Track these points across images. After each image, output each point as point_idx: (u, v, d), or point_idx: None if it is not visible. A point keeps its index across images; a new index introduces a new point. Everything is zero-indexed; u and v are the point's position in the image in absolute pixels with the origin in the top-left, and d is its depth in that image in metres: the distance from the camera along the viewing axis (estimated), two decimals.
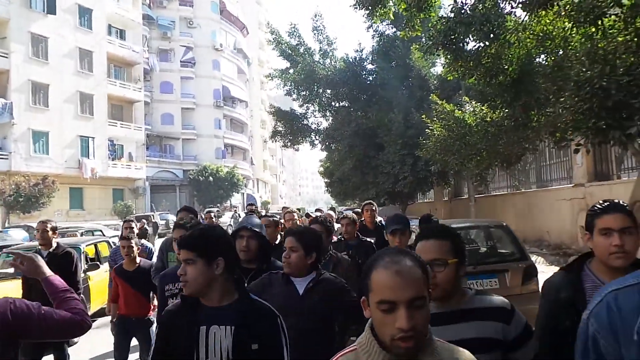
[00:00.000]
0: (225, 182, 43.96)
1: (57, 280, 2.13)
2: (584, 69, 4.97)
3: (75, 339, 6.18)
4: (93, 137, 34.78)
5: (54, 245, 5.10)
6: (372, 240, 5.11)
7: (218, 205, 41.40)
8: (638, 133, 4.15)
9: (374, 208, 6.19)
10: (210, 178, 43.06)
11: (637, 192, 5.81)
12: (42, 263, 2.15)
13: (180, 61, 47.30)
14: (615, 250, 1.79)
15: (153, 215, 28.17)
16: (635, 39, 4.91)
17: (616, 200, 1.95)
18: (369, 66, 18.37)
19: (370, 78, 17.73)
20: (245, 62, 58.43)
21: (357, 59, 17.81)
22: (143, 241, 6.29)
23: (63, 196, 31.32)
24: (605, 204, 1.90)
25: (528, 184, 15.43)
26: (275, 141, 21.31)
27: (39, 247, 5.13)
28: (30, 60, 30.61)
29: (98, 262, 8.17)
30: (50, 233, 5.06)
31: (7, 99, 29.19)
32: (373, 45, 17.92)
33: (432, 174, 14.58)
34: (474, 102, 8.49)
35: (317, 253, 2.70)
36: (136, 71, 40.59)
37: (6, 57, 29.33)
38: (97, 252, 8.56)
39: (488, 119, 7.24)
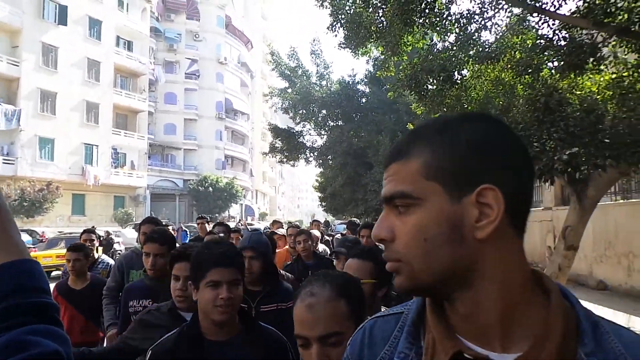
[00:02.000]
0: (224, 192, 44.81)
1: None
2: (528, 114, 5.91)
3: None
4: (97, 145, 35.75)
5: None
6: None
7: (217, 215, 42.21)
8: (559, 169, 5.01)
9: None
10: (210, 188, 43.92)
11: (569, 218, 6.70)
12: None
13: (185, 73, 48.45)
14: None
15: None
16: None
17: None
18: (362, 88, 19.39)
19: (363, 100, 18.73)
20: (249, 75, 59.62)
21: (351, 82, 18.85)
22: (103, 256, 5.19)
23: (66, 202, 32.23)
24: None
25: None
26: (273, 157, 22.27)
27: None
28: (40, 69, 31.69)
29: None
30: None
31: (17, 106, 30.21)
32: (367, 69, 18.99)
33: None
34: None
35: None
36: (142, 82, 41.70)
37: (17, 66, 30.41)
38: None
39: None
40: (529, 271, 0.76)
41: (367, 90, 18.89)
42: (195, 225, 10.98)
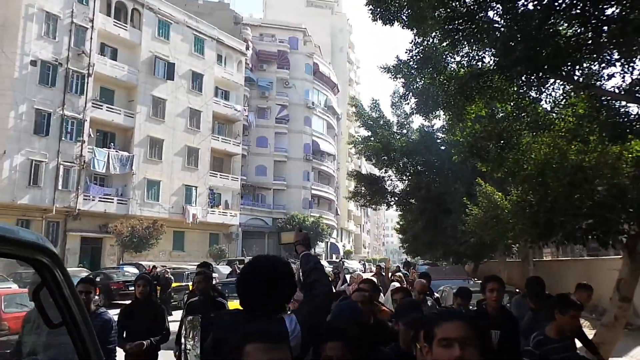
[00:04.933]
0: (310, 231, 46.53)
1: None
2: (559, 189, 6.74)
3: None
4: (196, 187, 39.12)
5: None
6: (496, 334, 3.98)
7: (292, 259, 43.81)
8: (579, 236, 5.77)
9: (499, 288, 4.22)
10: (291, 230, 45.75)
11: (622, 271, 7.25)
12: None
13: (276, 118, 51.66)
14: None
15: (245, 260, 31.32)
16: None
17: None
18: (441, 135, 20.29)
19: (442, 148, 19.61)
20: (335, 117, 62.07)
21: (430, 131, 19.86)
22: (103, 310, 4.74)
23: (168, 238, 35.39)
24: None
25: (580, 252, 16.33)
26: (356, 201, 23.56)
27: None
28: (150, 119, 35.71)
29: None
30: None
31: (130, 152, 34.16)
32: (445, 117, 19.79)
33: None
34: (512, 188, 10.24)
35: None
36: (236, 127, 45.18)
37: (132, 117, 34.54)
38: None
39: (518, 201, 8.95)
40: None
41: (446, 137, 19.75)
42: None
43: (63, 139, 30.28)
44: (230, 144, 43.52)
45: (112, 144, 34.11)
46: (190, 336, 2.11)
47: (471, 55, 6.89)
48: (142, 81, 35.31)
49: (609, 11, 5.32)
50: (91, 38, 32.15)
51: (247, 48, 47.52)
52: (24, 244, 1.46)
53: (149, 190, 35.62)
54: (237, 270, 19.35)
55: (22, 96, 28.41)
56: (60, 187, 29.96)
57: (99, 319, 4.45)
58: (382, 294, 6.44)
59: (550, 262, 19.19)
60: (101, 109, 32.78)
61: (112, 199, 33.25)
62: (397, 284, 6.36)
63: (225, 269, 27.71)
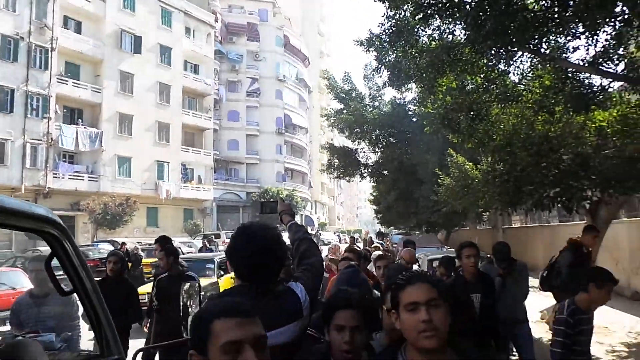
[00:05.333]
0: None
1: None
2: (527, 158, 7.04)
3: None
4: (168, 162, 38.70)
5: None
6: (477, 298, 4.22)
7: (278, 224, 44.14)
8: (546, 203, 6.10)
9: (475, 253, 4.34)
10: (271, 200, 46.01)
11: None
12: None
13: (247, 91, 51.13)
14: (423, 327, 1.53)
15: (220, 234, 31.61)
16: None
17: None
18: (413, 107, 20.56)
19: (414, 120, 19.89)
20: (306, 90, 61.76)
21: (402, 103, 20.08)
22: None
23: (141, 215, 35.11)
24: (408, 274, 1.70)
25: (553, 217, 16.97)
26: (329, 173, 23.78)
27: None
28: (119, 95, 34.92)
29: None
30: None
31: (99, 129, 33.46)
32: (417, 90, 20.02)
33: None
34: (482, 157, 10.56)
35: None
36: (207, 102, 44.58)
37: (99, 92, 33.72)
38: None
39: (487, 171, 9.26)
40: None
41: (417, 109, 20.03)
42: None
43: (28, 115, 29.44)
44: (201, 118, 42.99)
45: (79, 120, 33.33)
46: (189, 303, 2.08)
47: (442, 28, 7.04)
48: (108, 55, 34.37)
49: None
50: (53, 10, 30.99)
51: (216, 20, 46.53)
52: (35, 217, 1.57)
53: (120, 167, 35.10)
54: (207, 245, 19.27)
55: None
56: (28, 166, 29.28)
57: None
58: None
59: (518, 229, 19.89)
60: (67, 84, 31.88)
61: (83, 176, 32.69)
62: (378, 252, 6.51)
63: (200, 244, 27.82)
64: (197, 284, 2.35)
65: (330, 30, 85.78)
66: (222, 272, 10.45)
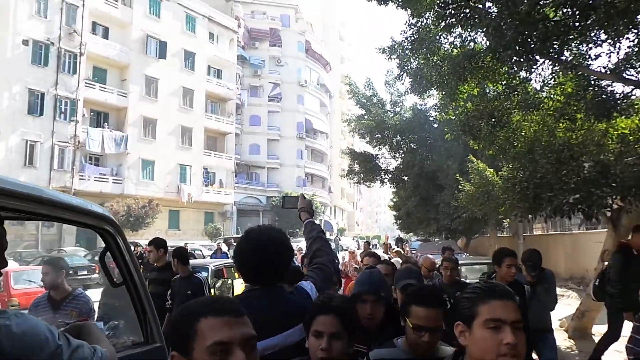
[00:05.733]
0: None
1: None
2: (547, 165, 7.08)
3: None
4: (190, 166, 39.26)
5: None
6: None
7: (297, 230, 44.37)
8: (566, 209, 6.14)
9: (516, 263, 4.34)
10: (293, 196, 46.25)
11: (606, 242, 7.66)
12: None
13: (268, 96, 51.60)
14: (506, 350, 1.35)
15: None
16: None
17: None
18: (434, 113, 20.57)
19: (435, 126, 19.93)
20: (327, 95, 62.06)
21: (423, 109, 20.13)
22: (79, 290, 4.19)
23: (163, 217, 35.65)
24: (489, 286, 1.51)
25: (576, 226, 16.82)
26: (350, 179, 23.92)
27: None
28: (144, 99, 35.62)
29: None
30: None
31: (124, 132, 34.18)
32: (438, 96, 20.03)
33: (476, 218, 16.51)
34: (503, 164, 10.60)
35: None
36: (229, 106, 45.13)
37: (125, 97, 34.46)
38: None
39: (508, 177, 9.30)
40: None
41: (439, 116, 20.00)
42: None
43: (57, 119, 30.26)
44: (223, 122, 43.53)
45: (105, 123, 34.10)
46: None
47: (464, 36, 7.13)
48: (134, 60, 35.12)
49: None
50: (82, 16, 31.85)
51: (239, 26, 47.15)
52: (95, 215, 1.76)
53: (144, 170, 35.75)
54: (222, 250, 19.43)
55: (14, 76, 28.25)
56: (55, 167, 30.07)
57: (78, 300, 3.80)
58: None
59: (539, 237, 19.71)
60: (94, 88, 32.67)
61: (107, 179, 33.40)
62: (398, 259, 6.44)
63: (223, 247, 28.12)
64: (229, 281, 2.50)
65: (352, 35, 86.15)
66: (217, 280, 10.28)
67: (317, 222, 2.46)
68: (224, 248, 25.76)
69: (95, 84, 32.83)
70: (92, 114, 33.39)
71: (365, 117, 20.99)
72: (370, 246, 12.64)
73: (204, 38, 41.49)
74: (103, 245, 1.87)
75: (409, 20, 8.79)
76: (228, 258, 16.29)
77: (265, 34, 52.28)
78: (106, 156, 33.63)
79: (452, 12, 5.91)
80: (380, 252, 13.38)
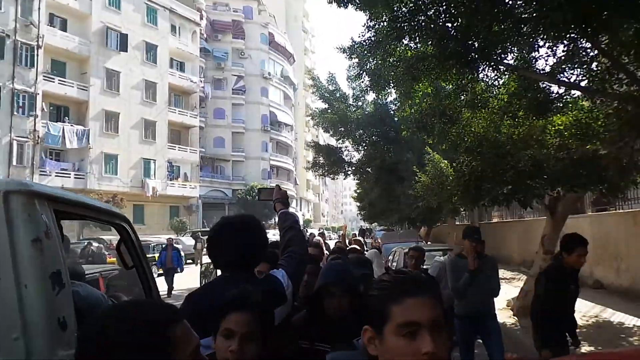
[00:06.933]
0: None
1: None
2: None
3: None
4: (154, 160, 39.09)
5: None
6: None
7: (263, 223, 44.71)
8: (501, 199, 6.89)
9: (419, 254, 5.02)
10: (269, 187, 46.55)
11: (545, 228, 8.53)
12: None
13: (232, 89, 51.59)
14: None
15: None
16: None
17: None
18: (394, 107, 21.31)
19: (395, 119, 20.68)
20: (291, 88, 62.38)
21: (384, 103, 20.84)
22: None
23: (127, 212, 35.38)
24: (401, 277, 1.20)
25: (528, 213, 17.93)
26: (315, 171, 24.52)
27: None
28: (105, 92, 35.23)
29: None
30: None
31: (85, 127, 33.76)
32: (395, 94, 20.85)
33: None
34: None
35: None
36: (193, 99, 44.99)
37: (86, 90, 34.00)
38: None
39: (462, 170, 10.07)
40: None
41: (397, 113, 20.80)
42: None
43: (15, 113, 29.71)
44: (187, 116, 43.41)
45: (66, 118, 33.60)
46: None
47: (412, 45, 7.81)
48: (94, 53, 34.65)
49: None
50: (39, 8, 31.21)
51: (201, 18, 46.90)
52: (113, 214, 2.29)
53: (107, 164, 35.44)
54: (174, 246, 18.29)
55: None
56: (14, 163, 29.55)
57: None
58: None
59: (495, 224, 20.82)
60: (53, 82, 32.13)
61: (69, 174, 33.00)
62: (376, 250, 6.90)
63: (189, 241, 28.36)
64: (209, 265, 2.96)
65: (315, 27, 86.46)
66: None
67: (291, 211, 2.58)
68: (190, 243, 25.46)
69: (54, 77, 32.28)
70: (51, 108, 32.85)
71: (329, 111, 21.57)
72: (325, 237, 13.18)
73: (166, 30, 41.17)
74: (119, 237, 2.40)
75: (367, 23, 9.40)
76: (180, 254, 16.10)
77: (228, 26, 52.17)
78: (67, 151, 33.17)
79: (402, 23, 6.52)
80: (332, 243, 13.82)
